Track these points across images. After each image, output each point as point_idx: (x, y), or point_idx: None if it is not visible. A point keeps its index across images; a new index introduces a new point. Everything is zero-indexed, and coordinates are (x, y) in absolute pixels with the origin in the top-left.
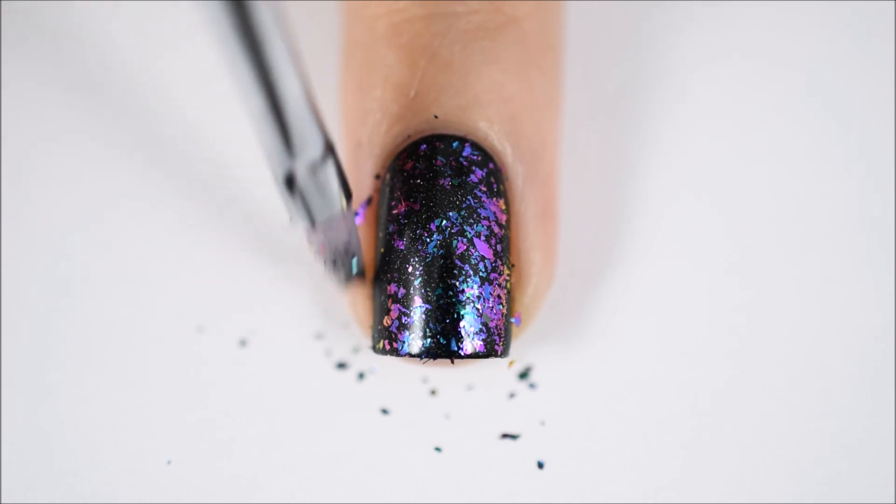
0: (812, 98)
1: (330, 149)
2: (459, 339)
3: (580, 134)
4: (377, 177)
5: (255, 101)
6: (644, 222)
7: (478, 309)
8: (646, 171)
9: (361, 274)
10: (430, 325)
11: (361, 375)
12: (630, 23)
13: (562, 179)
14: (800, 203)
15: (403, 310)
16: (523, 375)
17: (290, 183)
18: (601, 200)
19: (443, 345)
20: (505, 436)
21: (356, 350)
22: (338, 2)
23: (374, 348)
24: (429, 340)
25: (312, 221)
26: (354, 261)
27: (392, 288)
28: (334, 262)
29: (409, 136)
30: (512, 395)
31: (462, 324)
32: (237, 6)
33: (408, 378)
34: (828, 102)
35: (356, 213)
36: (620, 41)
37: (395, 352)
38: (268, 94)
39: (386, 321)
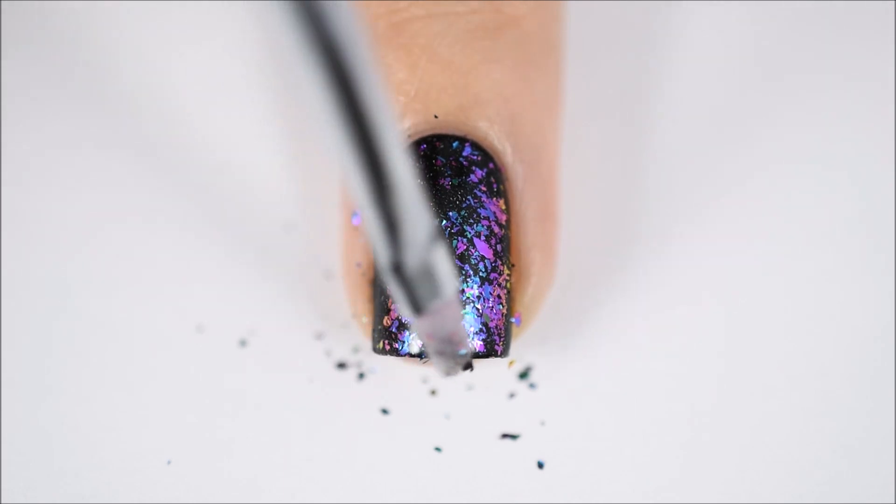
0: (812, 98)
1: (438, 232)
2: None
3: (580, 134)
4: None
5: (362, 187)
6: (644, 222)
7: (478, 309)
8: (646, 171)
9: (469, 365)
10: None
11: (361, 375)
12: (630, 23)
13: (562, 179)
14: (800, 203)
15: None
16: (523, 375)
17: (397, 271)
18: (601, 200)
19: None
20: (505, 436)
21: (356, 350)
22: None
23: (375, 348)
24: None
25: (419, 310)
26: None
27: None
28: (441, 353)
29: (408, 136)
30: (512, 395)
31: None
32: (344, 85)
33: (408, 378)
34: (828, 102)
35: (356, 214)
36: (620, 41)
37: (396, 352)
38: (377, 180)
39: (386, 321)
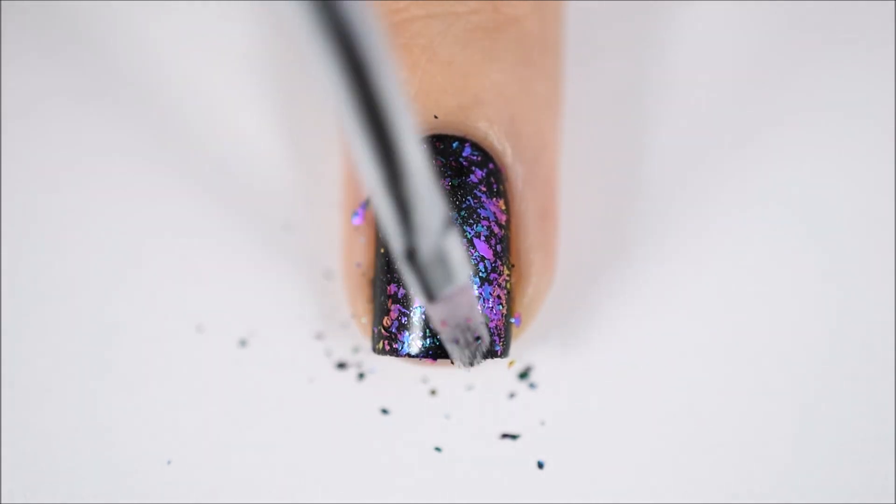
0: (812, 98)
1: (452, 219)
2: None
3: (580, 134)
4: None
5: (375, 173)
6: (644, 222)
7: None
8: (646, 170)
9: (488, 353)
10: (430, 325)
11: (361, 375)
12: (630, 23)
13: (561, 179)
14: (800, 202)
15: (403, 310)
16: (523, 375)
17: (410, 257)
18: (601, 200)
19: (442, 346)
20: (505, 436)
21: (356, 350)
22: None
23: (374, 349)
24: (429, 340)
25: (433, 297)
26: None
27: (392, 288)
28: (456, 341)
29: None
30: (512, 395)
31: None
32: (358, 72)
33: (408, 378)
34: (828, 102)
35: (356, 214)
36: (620, 41)
37: (395, 352)
38: (390, 166)
39: (386, 321)
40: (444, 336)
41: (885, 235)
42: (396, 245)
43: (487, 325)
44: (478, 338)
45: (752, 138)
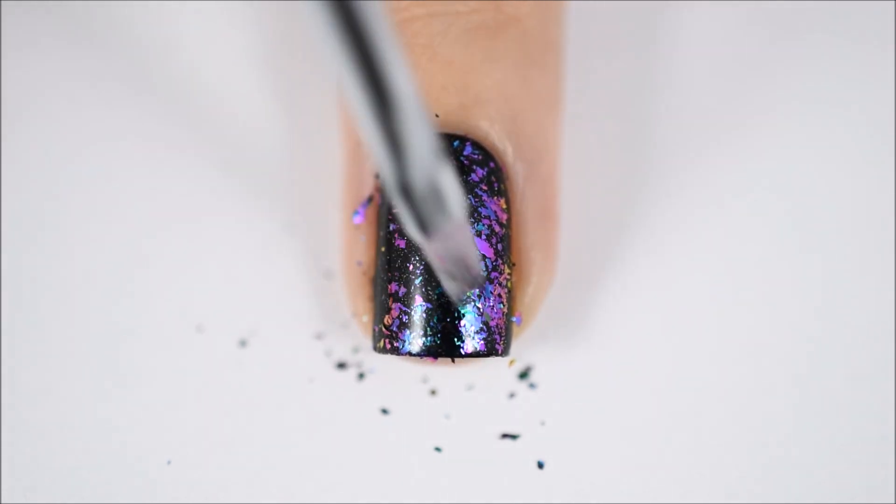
0: (813, 98)
1: (445, 151)
2: (460, 338)
3: (580, 133)
4: (377, 176)
5: (363, 99)
6: (645, 221)
7: (479, 308)
8: (647, 170)
9: (483, 286)
10: (431, 323)
11: (361, 375)
12: (630, 23)
13: (562, 178)
14: (801, 203)
15: (404, 308)
16: (523, 375)
17: (404, 190)
18: (601, 200)
19: (443, 344)
20: (505, 436)
21: (356, 350)
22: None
23: (375, 347)
24: (429, 339)
25: (428, 231)
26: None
27: (393, 287)
28: (452, 275)
29: None
30: (512, 395)
31: (463, 323)
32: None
33: (408, 378)
34: (828, 102)
35: (356, 213)
36: (621, 41)
37: (396, 351)
38: (379, 96)
39: (387, 320)
40: (441, 272)
41: (886, 235)
42: (390, 179)
43: (489, 324)
44: (473, 273)
45: (753, 139)
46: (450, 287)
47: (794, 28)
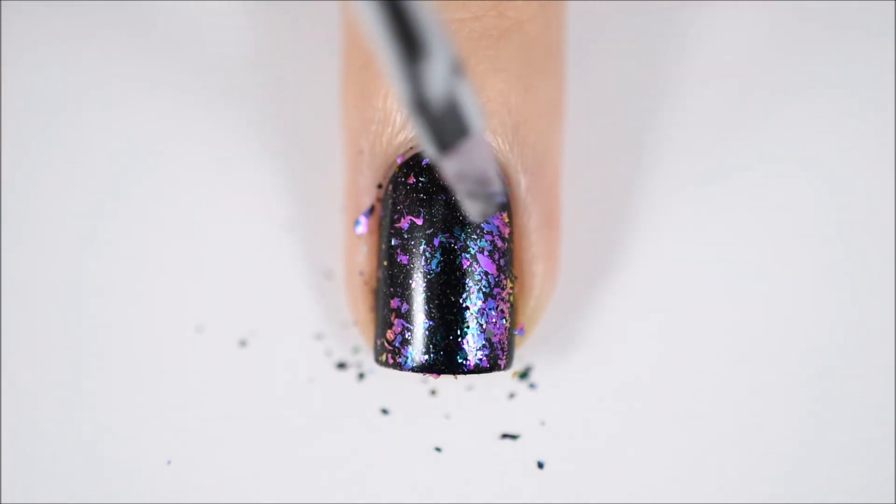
0: (813, 98)
1: (462, 64)
2: (463, 354)
3: (580, 138)
4: (379, 186)
5: (378, 15)
6: (645, 224)
7: (481, 325)
8: (646, 173)
9: (503, 205)
10: (434, 341)
11: (361, 375)
12: (631, 24)
13: (563, 185)
14: (801, 204)
15: (406, 325)
16: (523, 375)
17: (421, 106)
18: (601, 204)
19: (446, 360)
20: (505, 436)
21: (356, 350)
22: (339, 1)
23: (377, 360)
24: (432, 356)
25: (444, 148)
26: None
27: (395, 302)
28: (471, 194)
29: (411, 147)
30: (512, 395)
31: (465, 339)
32: None
33: (408, 378)
34: (829, 103)
35: (357, 223)
36: (621, 43)
37: (399, 366)
38: (394, 7)
39: (389, 335)
40: (460, 191)
41: (886, 236)
42: (405, 95)
43: (492, 339)
44: (493, 190)
45: (754, 141)
46: (469, 207)
47: (795, 28)
